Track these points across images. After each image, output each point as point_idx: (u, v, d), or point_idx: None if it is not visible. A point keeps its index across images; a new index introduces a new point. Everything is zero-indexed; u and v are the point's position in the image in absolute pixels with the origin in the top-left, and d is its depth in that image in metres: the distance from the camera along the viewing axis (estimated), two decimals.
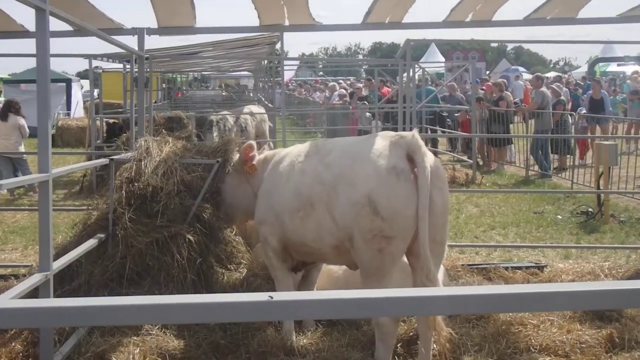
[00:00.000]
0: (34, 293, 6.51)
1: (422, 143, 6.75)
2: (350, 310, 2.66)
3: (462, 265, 10.85)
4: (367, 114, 26.95)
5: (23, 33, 10.33)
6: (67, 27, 8.16)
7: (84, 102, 37.53)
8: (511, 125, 24.52)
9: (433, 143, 27.33)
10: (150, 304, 2.49)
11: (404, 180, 6.57)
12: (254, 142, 8.93)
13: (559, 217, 15.62)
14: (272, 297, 2.45)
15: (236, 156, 8.99)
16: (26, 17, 6.10)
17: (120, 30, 10.47)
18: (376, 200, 6.57)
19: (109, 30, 10.25)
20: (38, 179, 6.04)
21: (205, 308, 2.46)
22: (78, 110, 38.63)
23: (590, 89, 27.75)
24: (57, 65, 58.67)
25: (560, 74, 54.90)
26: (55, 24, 7.17)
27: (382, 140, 6.92)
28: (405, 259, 7.09)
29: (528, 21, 11.11)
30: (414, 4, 10.20)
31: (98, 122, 22.40)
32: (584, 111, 25.49)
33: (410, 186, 6.55)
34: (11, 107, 19.47)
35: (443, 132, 25.85)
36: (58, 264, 6.92)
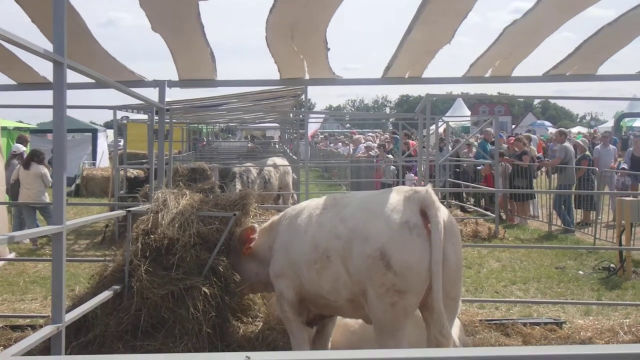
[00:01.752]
0: (46, 345, 6.53)
1: (435, 198, 6.78)
2: None
3: (480, 320, 10.79)
4: (392, 167, 26.97)
5: (45, 85, 10.51)
6: (88, 79, 8.28)
7: (110, 152, 37.82)
8: (534, 180, 24.39)
9: (458, 197, 27.31)
10: None
11: (417, 235, 6.59)
12: (256, 225, 8.98)
13: (581, 272, 15.50)
14: (249, 358, 2.45)
15: (237, 232, 9.03)
16: (48, 69, 6.20)
17: (142, 82, 10.63)
18: (389, 254, 6.59)
19: (131, 82, 10.41)
20: (51, 231, 6.08)
21: None
22: (103, 160, 38.92)
23: (630, 145, 27.42)
24: (84, 115, 59.40)
25: (587, 128, 54.83)
26: (77, 76, 7.30)
27: (396, 195, 6.96)
28: (419, 313, 7.07)
29: (547, 77, 11.16)
30: (434, 60, 10.30)
31: (122, 173, 22.57)
32: (624, 167, 25.24)
33: (423, 241, 6.57)
34: (34, 157, 19.65)
35: (466, 186, 25.78)
36: (71, 316, 6.94)
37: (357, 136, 40.49)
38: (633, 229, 16.10)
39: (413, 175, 24.89)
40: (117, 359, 2.53)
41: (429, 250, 6.52)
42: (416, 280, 6.60)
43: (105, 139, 41.65)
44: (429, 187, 6.98)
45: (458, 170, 27.50)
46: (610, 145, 27.35)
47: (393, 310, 6.71)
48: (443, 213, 6.76)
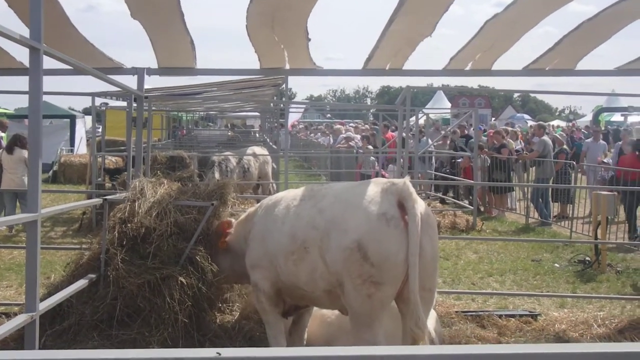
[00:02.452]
0: (20, 333, 6.48)
1: (413, 190, 6.78)
2: None
3: (457, 312, 10.84)
4: (372, 158, 26.98)
5: (23, 70, 10.41)
6: (65, 65, 8.20)
7: (88, 139, 37.59)
8: (512, 173, 24.47)
9: (438, 189, 27.38)
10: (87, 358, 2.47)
11: (394, 227, 6.59)
12: (233, 220, 8.96)
13: (557, 265, 15.56)
14: (219, 354, 2.42)
15: (215, 224, 9.03)
16: (26, 55, 6.12)
17: (120, 69, 10.55)
18: (366, 246, 6.59)
19: (109, 69, 10.33)
20: (26, 219, 6.03)
21: None
22: (81, 147, 38.68)
23: (621, 139, 27.49)
24: (62, 101, 59.06)
25: (566, 122, 55.04)
26: (55, 62, 7.23)
27: (374, 187, 6.95)
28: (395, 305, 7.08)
29: (527, 72, 11.18)
30: (415, 52, 10.28)
31: (100, 160, 22.44)
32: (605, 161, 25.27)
33: (400, 233, 6.57)
34: (17, 141, 19.51)
35: (444, 178, 25.82)
36: (45, 305, 6.89)
37: (337, 126, 40.46)
38: (609, 223, 16.20)
39: (394, 166, 24.89)
40: (84, 354, 2.49)
41: (406, 242, 6.52)
42: (393, 271, 6.61)
43: (83, 126, 41.39)
44: (406, 179, 6.97)
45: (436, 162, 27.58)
46: (602, 140, 27.48)
47: (370, 302, 6.71)
48: (420, 205, 6.77)
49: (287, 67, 10.98)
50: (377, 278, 6.61)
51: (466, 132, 27.54)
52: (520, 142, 25.12)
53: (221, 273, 8.83)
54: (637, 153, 20.20)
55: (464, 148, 25.26)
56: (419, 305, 6.46)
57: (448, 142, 27.87)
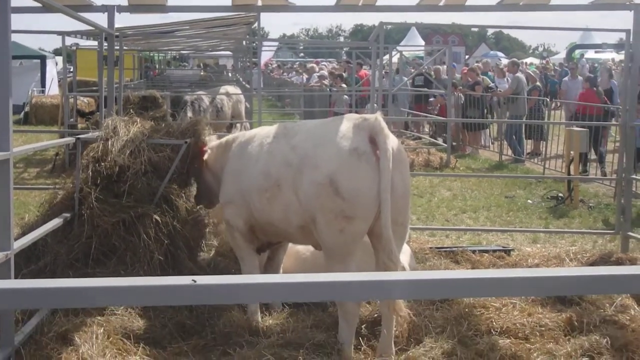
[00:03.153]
0: None
1: (384, 125, 6.81)
2: (280, 294, 2.67)
3: (431, 248, 10.93)
4: (345, 96, 26.90)
5: None
6: (34, 3, 8.10)
7: (59, 80, 37.21)
8: (486, 110, 24.49)
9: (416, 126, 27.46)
10: (70, 286, 2.50)
11: (366, 162, 6.64)
12: (207, 139, 9.00)
13: (530, 201, 15.72)
14: (195, 281, 2.47)
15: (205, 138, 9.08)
16: None
17: (90, 7, 10.43)
18: (338, 181, 6.63)
19: (79, 7, 10.20)
20: None
21: (127, 291, 2.48)
22: (53, 88, 38.27)
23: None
24: (32, 41, 58.18)
25: (539, 60, 55.08)
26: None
27: (346, 123, 6.98)
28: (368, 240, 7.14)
29: (501, 6, 11.17)
30: None
31: (72, 101, 22.26)
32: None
33: (372, 168, 6.61)
34: None
35: (417, 115, 25.84)
36: (20, 243, 6.90)
37: (311, 65, 40.25)
38: (583, 159, 16.34)
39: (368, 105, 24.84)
40: (67, 282, 2.53)
41: (377, 177, 6.57)
42: (364, 206, 6.67)
43: (54, 66, 40.91)
44: (378, 115, 6.98)
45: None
46: (579, 77, 27.49)
47: (342, 236, 6.78)
48: (392, 141, 6.81)
49: (259, 3, 10.90)
50: (348, 213, 6.67)
51: (443, 75, 27.48)
52: (507, 79, 25.01)
53: (203, 196, 8.95)
54: (594, 89, 20.46)
55: (437, 86, 25.22)
56: (392, 240, 6.53)
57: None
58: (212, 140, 9.08)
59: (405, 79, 26.64)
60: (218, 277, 2.48)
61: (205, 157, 8.81)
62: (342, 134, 6.84)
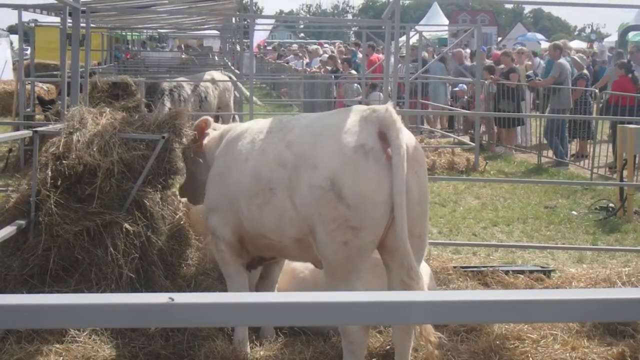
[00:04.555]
0: None
1: (397, 117, 6.72)
2: (273, 316, 2.66)
3: (455, 267, 10.88)
4: (356, 85, 26.92)
5: None
6: None
7: (14, 62, 37.27)
8: (523, 103, 24.41)
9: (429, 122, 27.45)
10: (21, 303, 2.49)
11: (374, 161, 6.57)
12: (210, 119, 8.96)
13: (574, 213, 15.69)
14: (172, 299, 2.46)
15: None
16: None
17: None
18: (340, 183, 6.57)
19: None
20: None
21: (91, 310, 2.47)
22: (6, 72, 38.33)
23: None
24: None
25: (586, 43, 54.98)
26: None
27: (350, 115, 6.92)
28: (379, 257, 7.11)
29: None
30: None
31: (29, 87, 22.27)
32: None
33: (382, 168, 6.55)
34: None
35: (441, 109, 25.84)
36: None
37: (314, 47, 40.31)
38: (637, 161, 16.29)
39: (380, 94, 24.82)
40: (18, 299, 2.52)
41: (387, 178, 6.50)
42: (372, 214, 6.60)
43: (8, 46, 41.02)
44: (389, 105, 6.94)
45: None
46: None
47: (346, 250, 6.71)
48: (406, 136, 6.75)
49: None
50: (353, 222, 6.60)
51: (465, 61, 27.46)
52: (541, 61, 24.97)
53: (190, 188, 8.99)
54: (629, 75, 20.45)
55: (464, 73, 25.20)
56: (410, 253, 6.45)
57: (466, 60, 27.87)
58: (217, 126, 9.04)
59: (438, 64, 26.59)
60: (200, 294, 2.47)
61: (206, 141, 8.76)
62: (346, 128, 6.78)
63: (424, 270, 8.52)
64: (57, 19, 25.09)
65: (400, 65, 20.24)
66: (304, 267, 8.81)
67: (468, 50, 28.14)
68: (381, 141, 6.63)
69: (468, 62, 27.86)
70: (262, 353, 7.88)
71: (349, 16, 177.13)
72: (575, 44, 64.63)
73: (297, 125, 7.29)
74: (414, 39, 29.34)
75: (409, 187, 6.59)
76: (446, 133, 26.28)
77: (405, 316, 2.88)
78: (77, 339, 7.65)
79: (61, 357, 7.22)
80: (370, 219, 6.62)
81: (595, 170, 19.88)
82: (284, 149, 7.10)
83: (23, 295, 2.61)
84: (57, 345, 7.46)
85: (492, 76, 24.25)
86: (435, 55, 29.01)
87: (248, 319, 2.68)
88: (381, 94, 24.72)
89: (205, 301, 2.53)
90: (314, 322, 2.63)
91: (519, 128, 24.45)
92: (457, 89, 25.86)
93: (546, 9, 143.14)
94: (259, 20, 41.34)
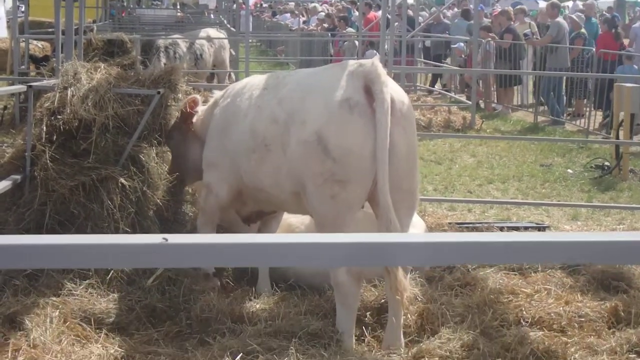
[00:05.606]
0: None
1: (382, 71, 6.77)
2: (260, 258, 2.69)
3: (450, 223, 10.95)
4: (356, 42, 26.83)
5: None
6: None
7: (8, 20, 37.08)
8: (522, 62, 24.27)
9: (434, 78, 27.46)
10: (17, 244, 2.53)
11: (359, 115, 6.64)
12: (198, 97, 8.96)
13: (570, 171, 15.68)
14: (166, 240, 2.49)
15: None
16: None
17: None
18: (326, 138, 6.65)
19: None
20: None
21: (86, 250, 2.50)
22: (1, 30, 38.14)
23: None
24: None
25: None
26: None
27: (338, 70, 6.98)
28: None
29: None
30: None
31: (23, 44, 22.19)
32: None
33: (367, 122, 6.62)
34: None
35: (436, 66, 25.77)
36: None
37: (313, 5, 40.10)
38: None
39: (375, 52, 24.72)
40: (13, 239, 2.56)
41: (373, 132, 6.56)
42: (358, 167, 6.68)
43: (2, 4, 40.81)
44: (375, 59, 6.97)
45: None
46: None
47: (334, 204, 6.79)
48: (392, 89, 6.79)
49: None
50: (340, 175, 6.68)
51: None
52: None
53: (183, 172, 8.98)
54: (612, 31, 20.49)
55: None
56: (390, 208, 6.51)
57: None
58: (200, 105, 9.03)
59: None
60: (193, 235, 2.52)
61: (195, 119, 8.78)
62: (333, 83, 6.84)
63: (419, 226, 8.59)
64: None
65: (397, 23, 20.22)
66: (299, 223, 8.85)
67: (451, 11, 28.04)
68: (367, 95, 6.67)
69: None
70: (258, 306, 7.92)
71: None
72: (571, 2, 64.31)
73: (290, 82, 7.34)
74: None
75: (395, 142, 6.62)
76: (443, 92, 26.25)
77: (393, 258, 2.91)
78: (74, 292, 7.69)
79: (58, 310, 7.24)
80: (356, 172, 6.68)
81: (590, 128, 19.87)
82: (276, 106, 7.17)
83: (19, 236, 2.65)
84: (54, 299, 7.49)
85: (490, 34, 24.14)
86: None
87: (239, 259, 2.72)
88: (376, 52, 24.69)
89: (198, 241, 2.57)
90: (301, 263, 2.64)
91: (516, 88, 24.38)
92: (454, 46, 25.74)
93: None
94: None
